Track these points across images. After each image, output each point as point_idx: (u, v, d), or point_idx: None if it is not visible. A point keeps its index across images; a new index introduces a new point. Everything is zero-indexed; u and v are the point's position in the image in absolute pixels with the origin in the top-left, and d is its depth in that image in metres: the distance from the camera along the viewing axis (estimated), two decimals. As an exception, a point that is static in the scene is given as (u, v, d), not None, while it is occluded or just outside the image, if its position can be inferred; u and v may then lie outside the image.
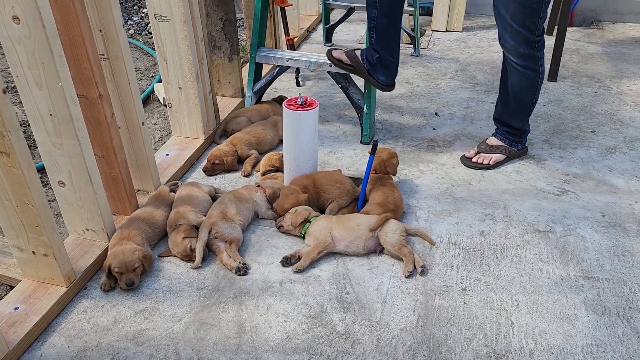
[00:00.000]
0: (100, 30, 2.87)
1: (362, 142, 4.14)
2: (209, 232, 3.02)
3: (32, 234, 2.56)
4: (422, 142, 4.15)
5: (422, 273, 2.88)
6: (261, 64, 4.48)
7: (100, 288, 2.82)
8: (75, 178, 2.78)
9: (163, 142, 4.36)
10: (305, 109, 3.25)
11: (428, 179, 3.70)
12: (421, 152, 4.01)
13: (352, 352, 2.45)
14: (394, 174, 3.45)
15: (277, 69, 4.35)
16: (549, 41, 6.01)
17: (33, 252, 2.64)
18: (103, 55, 2.95)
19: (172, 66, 3.78)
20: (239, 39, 4.63)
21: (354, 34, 6.49)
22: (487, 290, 2.77)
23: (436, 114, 4.57)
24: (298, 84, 5.18)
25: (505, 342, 2.49)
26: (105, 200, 2.94)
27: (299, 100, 3.28)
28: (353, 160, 3.93)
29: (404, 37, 6.03)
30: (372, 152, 3.29)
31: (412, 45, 5.89)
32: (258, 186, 3.41)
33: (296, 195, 3.26)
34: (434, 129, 4.34)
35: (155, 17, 3.59)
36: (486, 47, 6.01)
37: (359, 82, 4.00)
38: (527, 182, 3.64)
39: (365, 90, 4.00)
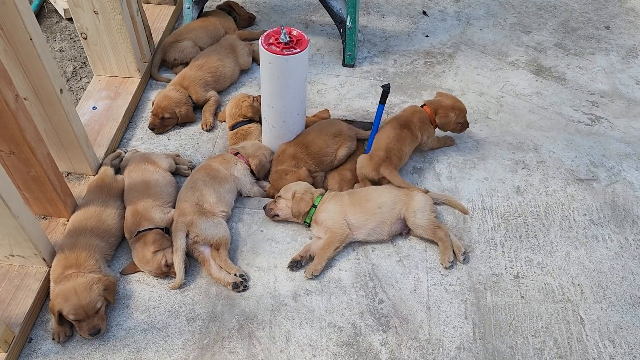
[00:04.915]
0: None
1: (344, 65, 3.27)
2: (187, 236, 2.27)
3: None
4: (418, 57, 3.36)
5: (465, 260, 2.35)
6: (199, -40, 3.31)
7: (53, 339, 2.07)
8: (-22, 202, 1.86)
9: (79, 79, 3.27)
10: (294, 50, 2.34)
11: (436, 113, 3.01)
12: (419, 74, 3.24)
13: (408, 392, 1.97)
14: (443, 129, 2.68)
15: (224, -33, 3.22)
16: None
17: (-58, 326, 1.81)
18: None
19: (79, -19, 2.61)
20: None
21: None
22: (544, 275, 2.31)
23: (424, 12, 3.71)
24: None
25: (580, 347, 2.09)
26: (33, 219, 2.05)
27: (281, 36, 2.35)
28: (340, 93, 3.11)
29: None
30: (382, 101, 2.53)
31: None
32: (236, 154, 2.59)
33: (292, 174, 2.51)
34: (427, 36, 3.52)
35: None
36: None
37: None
38: (551, 108, 3.06)
39: (348, -3, 3.05)
